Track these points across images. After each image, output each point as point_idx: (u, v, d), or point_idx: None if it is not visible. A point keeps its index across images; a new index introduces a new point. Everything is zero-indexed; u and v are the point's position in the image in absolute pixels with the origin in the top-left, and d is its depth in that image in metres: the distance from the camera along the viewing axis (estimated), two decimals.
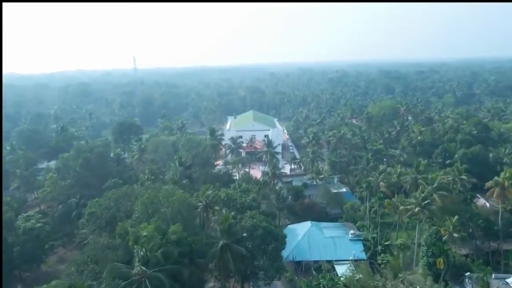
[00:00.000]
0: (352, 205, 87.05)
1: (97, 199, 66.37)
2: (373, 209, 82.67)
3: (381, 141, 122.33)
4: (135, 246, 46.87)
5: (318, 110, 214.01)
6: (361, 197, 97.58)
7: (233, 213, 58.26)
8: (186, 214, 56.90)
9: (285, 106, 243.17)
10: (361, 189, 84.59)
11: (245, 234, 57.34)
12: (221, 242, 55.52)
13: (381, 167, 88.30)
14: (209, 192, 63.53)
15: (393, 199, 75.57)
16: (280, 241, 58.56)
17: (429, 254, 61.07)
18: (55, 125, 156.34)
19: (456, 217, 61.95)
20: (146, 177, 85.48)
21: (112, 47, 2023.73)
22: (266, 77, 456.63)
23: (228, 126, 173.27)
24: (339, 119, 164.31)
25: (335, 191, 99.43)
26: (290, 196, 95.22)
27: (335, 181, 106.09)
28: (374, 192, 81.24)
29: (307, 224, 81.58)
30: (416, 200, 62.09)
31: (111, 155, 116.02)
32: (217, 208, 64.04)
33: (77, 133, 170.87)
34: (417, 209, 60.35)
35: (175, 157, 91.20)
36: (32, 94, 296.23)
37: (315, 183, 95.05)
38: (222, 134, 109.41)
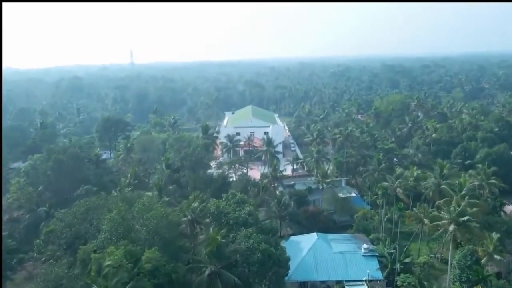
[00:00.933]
0: (364, 213, 76.03)
1: (64, 210, 55.41)
2: (387, 216, 71.90)
3: (393, 139, 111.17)
4: (94, 285, 36.01)
5: (321, 105, 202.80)
6: (373, 202, 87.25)
7: (223, 231, 47.26)
8: (167, 234, 45.87)
9: (286, 101, 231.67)
10: (376, 196, 73.64)
11: (238, 256, 46.50)
12: (208, 269, 44.66)
13: (398, 170, 77.12)
14: (196, 204, 52.41)
15: (414, 209, 64.52)
16: (283, 265, 47.66)
17: (463, 279, 50.46)
18: (40, 121, 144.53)
19: (497, 235, 50.87)
20: (127, 181, 74.54)
21: (111, 42, 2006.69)
22: (266, 71, 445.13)
23: (225, 122, 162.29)
24: (344, 114, 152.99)
25: (343, 195, 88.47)
26: (292, 202, 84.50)
27: (343, 184, 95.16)
28: (390, 199, 70.34)
29: (313, 236, 70.70)
30: (450, 215, 50.77)
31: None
32: (207, 220, 53.08)
33: (64, 130, 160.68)
34: (452, 227, 49.17)
35: (162, 158, 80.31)
36: (23, 89, 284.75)
37: (320, 187, 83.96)
38: (217, 132, 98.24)
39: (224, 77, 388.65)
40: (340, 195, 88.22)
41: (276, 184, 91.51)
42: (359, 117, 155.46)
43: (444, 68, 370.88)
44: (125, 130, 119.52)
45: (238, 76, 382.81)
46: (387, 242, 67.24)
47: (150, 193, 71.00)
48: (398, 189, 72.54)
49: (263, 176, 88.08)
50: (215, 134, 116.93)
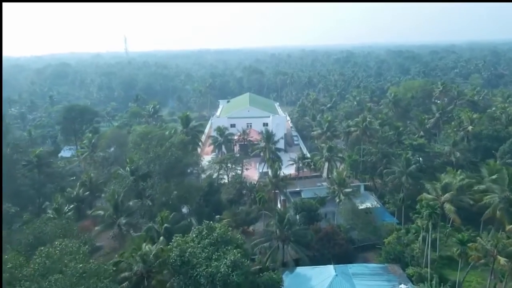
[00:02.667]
0: (398, 235, 56.05)
1: None
2: (419, 235, 52.20)
3: (421, 133, 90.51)
4: None
5: (327, 92, 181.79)
6: (396, 212, 68.09)
7: None
8: None
9: (288, 88, 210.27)
10: (416, 214, 53.71)
11: None
12: None
13: (444, 178, 56.81)
14: (148, 247, 32.40)
15: (479, 239, 44.46)
16: None
17: None
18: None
19: None
20: (74, 193, 54.56)
21: (108, 30, 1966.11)
22: (266, 58, 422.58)
23: (218, 112, 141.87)
24: (355, 103, 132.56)
25: (363, 206, 68.56)
26: (298, 216, 64.79)
27: (362, 190, 75.13)
28: (436, 219, 50.23)
29: (329, 270, 50.92)
30: None
31: (60, 154, 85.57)
32: (166, 272, 33.17)
33: (36, 121, 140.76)
34: None
35: (127, 160, 60.28)
36: (4, 76, 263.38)
37: (337, 200, 63.73)
38: (200, 125, 77.49)
39: (221, 65, 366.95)
40: (360, 206, 68.40)
41: (276, 191, 71.78)
42: (371, 105, 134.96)
43: (455, 54, 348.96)
44: (92, 122, 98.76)
45: (236, 63, 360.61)
46: (434, 283, 47.47)
47: (101, 211, 51.27)
48: (447, 206, 52.36)
49: (263, 184, 68.03)
50: (210, 126, 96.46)
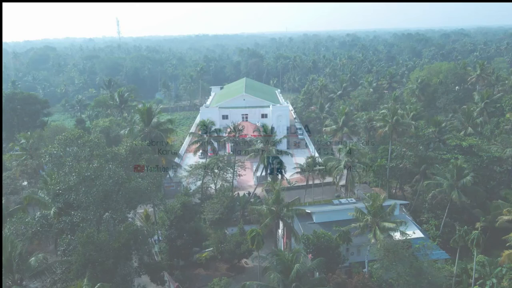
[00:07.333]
0: None
1: None
2: None
3: (469, 129, 68.90)
4: None
5: (334, 78, 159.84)
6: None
7: None
8: None
9: (290, 73, 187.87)
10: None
11: None
12: None
13: None
14: None
15: None
16: None
17: None
18: None
19: None
20: None
21: (106, 16, 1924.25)
22: (266, 43, 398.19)
23: (208, 101, 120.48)
24: (371, 90, 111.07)
25: (399, 234, 47.20)
26: (310, 254, 44.20)
27: (397, 212, 53.75)
28: None
29: None
30: None
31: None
32: None
33: None
34: None
35: (47, 178, 39.23)
36: None
37: (372, 238, 42.36)
38: (169, 122, 55.85)
39: (219, 49, 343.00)
40: (397, 236, 47.14)
41: (280, 217, 50.77)
42: (395, 93, 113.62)
43: (468, 37, 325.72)
44: (39, 115, 77.01)
45: (234, 48, 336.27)
46: None
47: None
48: None
49: (257, 212, 46.95)
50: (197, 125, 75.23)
